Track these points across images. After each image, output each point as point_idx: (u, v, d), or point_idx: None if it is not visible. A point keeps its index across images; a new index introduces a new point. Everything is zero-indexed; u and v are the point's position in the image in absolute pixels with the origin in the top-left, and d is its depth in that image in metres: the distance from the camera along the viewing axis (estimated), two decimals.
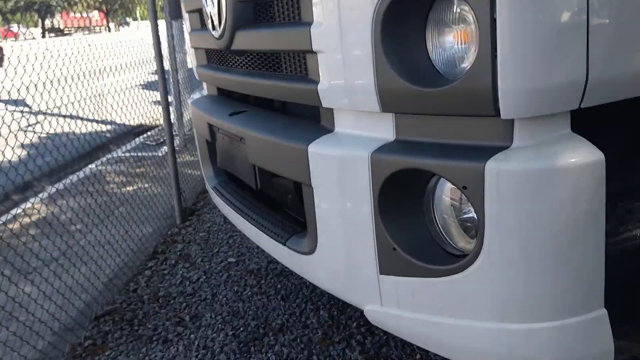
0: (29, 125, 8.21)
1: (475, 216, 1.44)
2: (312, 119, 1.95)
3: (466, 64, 1.41)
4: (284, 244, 2.02)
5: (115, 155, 7.45)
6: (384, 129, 1.62)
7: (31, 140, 7.33)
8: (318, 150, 1.72)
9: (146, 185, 5.58)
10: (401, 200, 1.60)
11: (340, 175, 1.67)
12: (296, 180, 1.85)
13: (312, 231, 1.85)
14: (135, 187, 5.58)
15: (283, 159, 1.88)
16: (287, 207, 2.24)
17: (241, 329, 2.93)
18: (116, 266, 3.64)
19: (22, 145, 6.18)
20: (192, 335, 2.92)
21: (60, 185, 5.77)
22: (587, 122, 1.38)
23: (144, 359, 2.76)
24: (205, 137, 2.59)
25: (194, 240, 4.04)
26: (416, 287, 1.57)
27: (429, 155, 1.47)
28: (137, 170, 6.27)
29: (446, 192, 1.57)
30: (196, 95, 2.93)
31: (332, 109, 1.78)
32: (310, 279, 1.98)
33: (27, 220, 4.30)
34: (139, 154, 7.23)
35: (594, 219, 1.37)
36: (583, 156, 1.35)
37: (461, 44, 1.41)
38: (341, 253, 1.75)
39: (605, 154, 1.34)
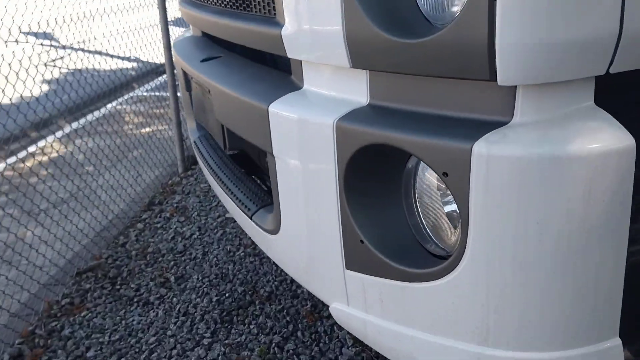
0: (52, 60, 8.01)
1: (459, 208, 1.09)
2: (288, 72, 1.59)
3: (457, 8, 1.03)
4: (250, 218, 1.71)
5: (136, 94, 7.21)
6: (357, 90, 1.26)
7: (53, 75, 7.14)
8: (279, 111, 1.37)
9: (163, 127, 5.32)
10: (372, 181, 1.26)
11: (302, 145, 1.33)
12: (259, 146, 1.52)
13: (277, 209, 1.53)
14: (152, 128, 5.33)
15: (245, 119, 1.54)
16: (260, 173, 1.92)
17: (227, 294, 2.68)
18: (114, 215, 3.41)
19: (44, 80, 5.99)
20: (174, 299, 2.68)
21: (78, 124, 5.59)
22: (612, 95, 1.00)
23: (120, 323, 2.54)
24: (182, 84, 2.26)
25: (194, 192, 3.77)
26: (385, 289, 1.25)
27: (404, 129, 1.11)
28: (157, 111, 6.01)
29: (430, 175, 1.22)
30: (182, 36, 2.58)
31: (300, 61, 1.42)
32: (277, 262, 1.68)
33: (40, 159, 4.16)
34: (161, 93, 6.96)
35: (615, 224, 1.01)
36: (609, 140, 0.98)
37: None
38: (304, 239, 1.43)
39: (636, 139, 0.96)
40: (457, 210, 1.10)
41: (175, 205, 3.61)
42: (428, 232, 1.23)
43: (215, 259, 2.99)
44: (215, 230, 3.27)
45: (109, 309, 2.64)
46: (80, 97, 4.96)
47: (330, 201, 1.30)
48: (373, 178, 1.25)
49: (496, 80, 0.99)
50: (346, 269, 1.33)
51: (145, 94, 7.16)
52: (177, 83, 4.13)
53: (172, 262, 2.98)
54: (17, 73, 3.47)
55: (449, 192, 1.19)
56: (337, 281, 1.37)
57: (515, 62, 0.96)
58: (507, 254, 1.04)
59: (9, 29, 3.57)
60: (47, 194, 3.27)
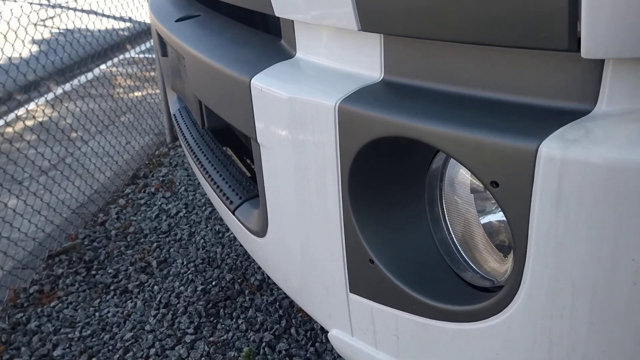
0: (42, 20, 7.55)
1: (512, 229, 0.76)
2: (278, 35, 1.25)
3: None
4: (233, 212, 1.38)
5: (128, 56, 6.80)
6: (367, 60, 0.92)
7: (42, 36, 6.72)
8: (263, 87, 1.04)
9: (154, 91, 4.95)
10: (386, 184, 0.93)
11: (293, 133, 0.99)
12: (239, 129, 1.18)
13: (263, 208, 1.20)
14: (143, 92, 4.96)
15: (222, 94, 1.20)
16: (248, 153, 1.59)
17: (213, 282, 2.38)
18: (94, 191, 3.09)
19: (33, 42, 5.59)
20: (155, 287, 2.38)
21: (67, 86, 5.24)
22: None
23: (94, 315, 2.24)
24: (157, 49, 1.90)
25: (181, 164, 3.43)
26: (403, 325, 0.94)
27: (435, 118, 0.78)
28: (149, 74, 5.62)
29: (467, 179, 0.89)
30: None
31: (292, 21, 1.07)
32: (264, 269, 1.36)
33: (28, 123, 3.84)
34: (154, 55, 6.55)
35: None
36: None
37: None
38: (296, 250, 1.11)
39: None
40: (509, 231, 0.78)
41: (161, 179, 3.28)
42: (461, 253, 0.91)
43: (202, 240, 2.68)
44: (204, 207, 2.96)
45: (82, 299, 2.34)
46: (72, 58, 4.61)
47: (331, 208, 0.97)
48: (387, 180, 0.92)
49: (578, 50, 0.65)
50: (350, 292, 1.01)
51: (138, 55, 6.76)
52: None
53: (154, 244, 2.67)
54: (4, 35, 3.14)
55: (494, 205, 0.87)
56: (338, 306, 1.05)
57: (611, 25, 0.62)
58: (583, 297, 0.72)
59: None
60: (36, 160, 2.95)
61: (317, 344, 2.01)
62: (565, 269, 0.71)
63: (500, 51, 0.74)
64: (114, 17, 8.38)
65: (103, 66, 6.21)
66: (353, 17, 0.85)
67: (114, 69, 6.19)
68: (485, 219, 0.89)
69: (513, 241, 0.75)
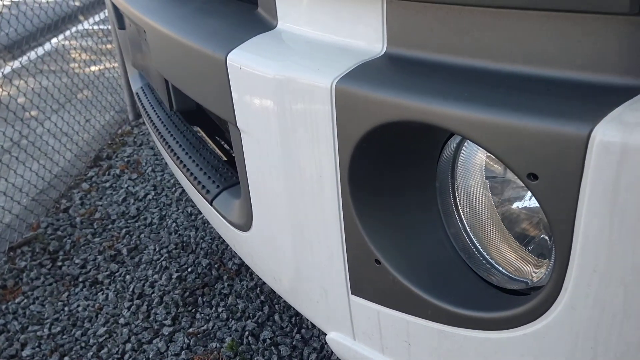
0: None
1: (552, 227, 0.65)
2: (252, 2, 1.09)
3: None
4: (210, 203, 1.24)
5: (82, 28, 6.46)
6: (364, 30, 0.78)
7: None
8: (242, 65, 0.88)
9: (112, 65, 4.68)
10: (393, 174, 0.80)
11: (282, 117, 0.85)
12: (215, 112, 1.03)
13: (246, 198, 1.06)
14: (100, 66, 4.69)
15: (193, 73, 1.04)
16: (222, 134, 1.44)
17: (189, 269, 2.23)
18: (53, 176, 2.88)
19: None
20: (127, 277, 2.23)
21: (17, 63, 4.93)
22: None
23: (63, 310, 2.08)
24: (112, 21, 1.71)
25: (147, 143, 3.24)
26: (415, 331, 0.82)
27: (454, 98, 0.64)
28: (105, 46, 5.33)
29: (479, 165, 0.77)
30: None
31: None
32: (249, 265, 1.23)
33: None
34: (108, 27, 6.22)
35: None
36: None
37: None
38: (287, 245, 0.98)
39: None
40: (547, 229, 0.66)
41: (126, 159, 3.08)
42: (480, 250, 0.79)
43: (174, 224, 2.52)
44: (173, 188, 2.79)
45: (49, 293, 2.17)
46: (19, 33, 4.32)
47: (328, 202, 0.84)
48: (393, 171, 0.79)
49: (638, 13, 0.53)
50: (352, 294, 0.89)
51: (92, 27, 6.43)
52: None
53: (123, 230, 2.50)
54: None
55: (514, 194, 0.75)
56: (338, 308, 0.93)
57: None
58: (637, 305, 0.61)
59: None
60: None
61: (303, 331, 1.90)
62: (619, 273, 0.60)
63: (537, 16, 0.60)
64: None
65: (55, 40, 5.88)
66: None
67: (67, 42, 5.87)
68: (504, 211, 0.78)
69: (553, 240, 0.64)
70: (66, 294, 2.16)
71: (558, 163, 0.58)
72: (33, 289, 2.20)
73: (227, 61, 0.91)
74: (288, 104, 0.82)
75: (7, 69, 4.63)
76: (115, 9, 1.59)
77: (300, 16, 0.87)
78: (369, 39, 0.77)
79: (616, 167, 0.55)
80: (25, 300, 2.14)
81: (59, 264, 2.32)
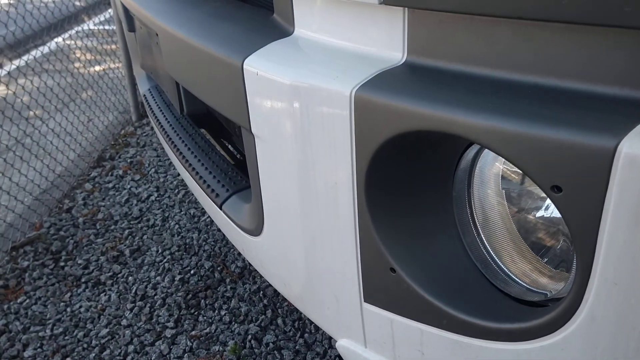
0: None
1: (575, 239, 0.65)
2: (268, 8, 1.09)
3: None
4: (220, 207, 1.23)
5: (86, 27, 6.46)
6: (384, 38, 0.78)
7: None
8: (259, 71, 0.88)
9: (116, 65, 4.68)
10: (410, 183, 0.80)
11: (298, 124, 0.85)
12: (230, 118, 1.03)
13: (257, 203, 1.06)
14: (104, 66, 4.69)
15: (208, 78, 1.04)
16: (230, 137, 1.44)
17: (192, 271, 2.23)
18: (56, 176, 2.87)
19: None
20: (130, 278, 2.22)
21: (22, 62, 4.94)
22: None
23: (65, 311, 2.08)
24: (122, 22, 1.70)
25: (150, 144, 3.24)
26: (431, 340, 0.82)
27: (481, 109, 0.64)
28: (109, 47, 5.33)
29: (496, 175, 0.77)
30: None
31: None
32: (258, 270, 1.22)
33: None
34: (112, 27, 6.22)
35: None
36: None
37: None
38: (299, 251, 0.97)
39: None
40: (568, 240, 0.66)
41: (129, 160, 3.08)
42: (496, 261, 0.79)
43: (177, 225, 2.52)
44: (176, 190, 2.79)
45: (52, 293, 2.16)
46: (24, 31, 4.32)
47: (343, 209, 0.84)
48: (410, 179, 0.79)
49: None
50: (365, 302, 0.89)
51: (95, 27, 6.43)
52: None
53: (126, 231, 2.50)
54: None
55: (531, 204, 0.74)
56: (350, 315, 0.93)
57: None
58: None
59: None
60: None
61: (306, 335, 1.89)
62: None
63: (562, 27, 0.60)
64: None
65: (59, 39, 5.88)
66: None
67: (72, 42, 5.87)
68: (521, 221, 0.77)
69: (575, 252, 0.64)
70: (68, 294, 2.16)
71: (583, 176, 0.58)
72: (35, 289, 2.19)
73: (244, 67, 0.90)
74: (305, 111, 0.82)
75: (12, 68, 4.63)
76: (126, 10, 1.58)
77: (319, 23, 0.87)
78: (389, 47, 0.77)
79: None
80: (28, 301, 2.13)
81: (62, 264, 2.32)
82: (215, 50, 0.98)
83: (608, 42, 0.58)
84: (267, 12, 1.05)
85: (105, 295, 2.14)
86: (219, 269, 2.23)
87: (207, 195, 1.28)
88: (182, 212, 2.61)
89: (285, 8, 0.94)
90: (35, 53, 5.08)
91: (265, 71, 0.87)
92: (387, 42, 0.77)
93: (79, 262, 2.32)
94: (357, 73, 0.77)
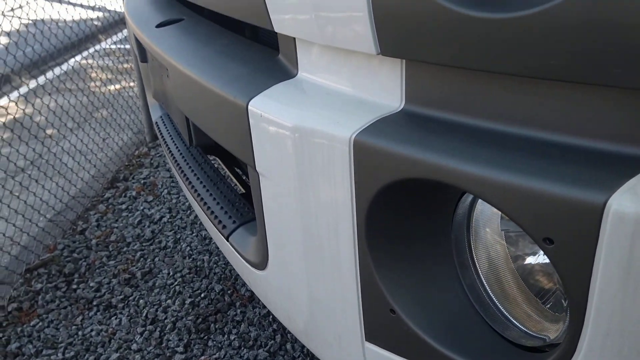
0: (11, 9, 7.26)
1: (567, 290, 0.66)
2: (274, 48, 1.12)
3: None
4: (227, 238, 1.26)
5: (102, 47, 6.58)
6: (384, 86, 0.80)
7: (12, 26, 6.45)
8: (263, 112, 0.91)
9: (131, 84, 4.76)
10: (410, 226, 0.81)
11: (301, 166, 0.87)
12: (236, 155, 1.05)
13: (262, 237, 1.08)
14: (120, 85, 4.77)
15: (215, 116, 1.07)
16: (236, 168, 1.46)
17: (202, 294, 2.25)
18: (70, 197, 2.92)
19: (2, 33, 5.35)
20: (141, 301, 2.25)
21: (40, 80, 5.05)
22: None
23: (76, 334, 2.11)
24: (135, 54, 1.75)
25: (163, 165, 3.28)
26: None
27: (474, 160, 0.66)
28: (125, 65, 5.42)
29: (495, 220, 0.78)
30: None
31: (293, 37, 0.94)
32: (264, 303, 1.24)
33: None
34: (128, 46, 6.33)
35: None
36: None
37: None
38: (303, 288, 0.99)
39: None
40: (560, 290, 0.67)
41: (142, 181, 3.12)
42: (496, 304, 0.80)
43: (188, 247, 2.54)
44: (188, 211, 2.82)
45: (64, 316, 2.20)
46: (45, 49, 4.42)
47: (344, 249, 0.86)
48: (410, 223, 0.80)
49: None
50: (366, 341, 0.90)
51: (112, 46, 6.55)
52: None
53: (138, 253, 2.53)
54: None
55: (530, 249, 0.76)
56: (352, 353, 0.94)
57: None
58: None
59: None
60: (10, 159, 2.77)
61: None
62: (632, 339, 0.61)
63: (555, 84, 0.62)
64: (86, 7, 8.10)
65: (76, 58, 6.00)
66: (371, 39, 0.73)
67: (88, 61, 5.98)
68: (521, 264, 0.79)
69: (568, 302, 0.65)
70: (80, 317, 2.19)
71: (574, 229, 0.60)
72: (48, 311, 2.22)
73: (249, 108, 0.93)
74: (307, 154, 0.84)
75: (25, 89, 4.73)
76: (138, 42, 1.63)
77: (321, 67, 0.90)
78: (388, 94, 0.79)
79: (631, 238, 0.56)
80: (40, 324, 2.17)
81: (74, 286, 2.35)
82: (222, 90, 1.01)
83: (598, 98, 0.60)
84: (273, 52, 1.08)
85: (116, 318, 2.17)
86: (229, 292, 2.25)
87: (215, 226, 1.30)
88: (194, 234, 2.63)
89: (289, 51, 0.96)
90: (49, 73, 5.19)
91: (269, 113, 0.90)
92: (385, 90, 0.79)
93: (91, 284, 2.35)
94: (356, 119, 0.79)
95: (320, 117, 0.83)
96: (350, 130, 0.78)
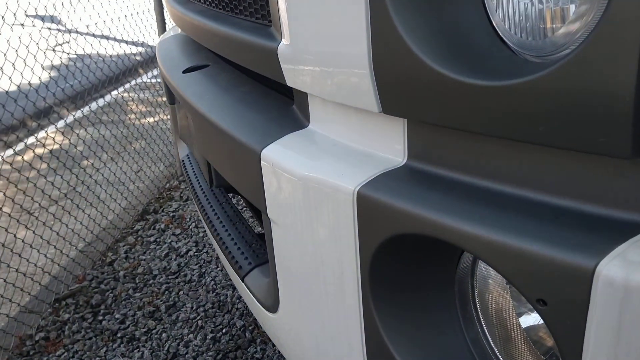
0: (59, 44, 7.57)
1: (561, 350, 0.66)
2: (291, 97, 1.16)
3: (573, 30, 0.59)
4: (242, 280, 1.28)
5: (140, 80, 6.80)
6: (388, 141, 0.83)
7: (61, 60, 6.73)
8: (275, 161, 0.94)
9: (167, 116, 4.90)
10: (413, 279, 0.83)
11: (308, 214, 0.89)
12: (250, 200, 1.09)
13: (274, 281, 1.11)
14: (156, 118, 4.92)
15: (231, 161, 1.11)
16: (260, 216, 1.49)
17: (224, 329, 2.27)
18: (101, 229, 3.00)
19: (52, 66, 5.61)
20: (164, 334, 2.28)
21: (79, 113, 5.25)
22: None
23: None
24: (166, 95, 1.82)
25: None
26: None
27: (470, 219, 0.68)
28: (162, 99, 5.59)
29: (498, 275, 0.79)
30: (169, 32, 2.13)
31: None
32: (277, 345, 1.26)
33: (39, 151, 3.81)
34: None
35: None
36: None
37: None
38: (311, 336, 1.00)
39: None
40: (556, 349, 0.67)
41: (171, 214, 3.19)
42: (499, 358, 0.80)
43: (212, 282, 2.58)
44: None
45: (88, 347, 2.24)
46: (90, 82, 4.61)
47: (349, 300, 0.87)
48: (413, 276, 0.82)
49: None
50: None
51: (151, 80, 6.76)
52: None
53: (163, 286, 2.57)
54: (24, 60, 3.11)
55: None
56: None
57: None
58: None
59: (14, 13, 3.16)
60: (46, 190, 2.87)
61: None
62: None
63: (541, 150, 0.63)
64: (129, 42, 8.41)
65: (117, 90, 6.21)
66: (373, 99, 0.76)
67: (126, 94, 6.19)
68: (526, 320, 0.79)
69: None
70: (104, 349, 2.23)
71: (566, 292, 0.60)
72: (74, 342, 2.27)
73: (262, 156, 0.96)
74: (314, 204, 0.87)
75: (70, 118, 4.91)
76: (166, 85, 1.69)
77: (330, 120, 0.93)
78: (391, 149, 0.81)
79: (620, 303, 0.57)
80: (66, 354, 2.21)
81: (100, 317, 2.40)
82: (238, 137, 1.05)
83: (591, 163, 0.61)
84: (289, 101, 1.12)
85: (138, 351, 2.20)
86: (250, 328, 2.27)
87: (231, 264, 1.33)
88: (219, 268, 2.67)
89: (302, 102, 1.00)
90: (92, 105, 5.38)
91: (280, 162, 0.93)
92: (389, 145, 0.82)
93: (117, 316, 2.40)
94: (361, 171, 0.81)
95: (327, 168, 0.86)
96: (355, 183, 0.80)
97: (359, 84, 0.76)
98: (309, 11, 0.83)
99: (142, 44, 8.49)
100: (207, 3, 1.39)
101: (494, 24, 0.67)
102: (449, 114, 0.66)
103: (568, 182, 0.64)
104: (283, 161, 0.93)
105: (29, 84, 3.13)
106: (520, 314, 0.80)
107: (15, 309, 2.39)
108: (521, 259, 0.63)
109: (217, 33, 1.19)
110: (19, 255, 2.45)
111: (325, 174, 0.85)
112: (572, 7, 0.59)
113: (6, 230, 2.51)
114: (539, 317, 0.78)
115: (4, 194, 2.53)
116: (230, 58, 1.21)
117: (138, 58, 7.86)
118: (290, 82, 0.94)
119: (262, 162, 0.97)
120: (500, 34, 0.66)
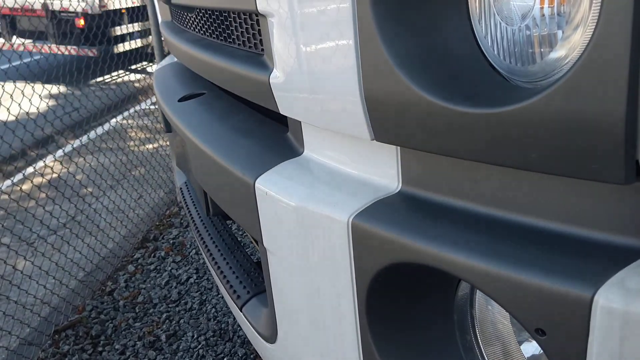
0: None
1: None
2: (285, 125, 1.16)
3: (561, 57, 0.59)
4: (240, 309, 1.27)
5: (141, 107, 6.83)
6: (381, 168, 0.82)
7: (59, 90, 6.78)
8: (269, 190, 0.93)
9: (167, 142, 4.91)
10: (411, 308, 0.81)
11: (303, 243, 0.89)
12: (246, 230, 1.08)
13: (271, 311, 1.09)
14: (156, 144, 4.93)
15: (226, 190, 1.10)
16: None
17: (225, 359, 2.24)
18: (101, 258, 2.98)
19: (50, 96, 5.64)
20: None
21: (78, 142, 5.28)
22: None
23: None
24: (163, 123, 1.82)
25: None
26: None
27: (467, 249, 0.67)
28: (161, 125, 5.60)
29: (497, 307, 0.77)
30: (166, 61, 2.15)
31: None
32: None
33: (37, 181, 3.82)
34: None
35: None
36: None
37: (551, 10, 0.59)
38: None
39: None
40: None
41: (171, 241, 3.18)
42: None
43: (213, 309, 2.55)
44: None
45: None
46: (89, 111, 4.63)
47: (346, 329, 0.86)
48: (410, 305, 0.80)
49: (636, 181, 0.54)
50: None
51: (151, 107, 6.80)
52: None
53: (164, 315, 2.55)
54: (22, 90, 3.14)
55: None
56: None
57: None
58: None
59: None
60: (45, 220, 2.87)
61: None
62: None
63: (543, 175, 0.63)
64: (129, 69, 8.48)
65: (117, 118, 6.23)
66: (365, 127, 0.75)
67: (128, 121, 6.21)
68: (527, 348, 0.77)
69: None
70: None
71: (564, 321, 0.59)
72: None
73: (256, 185, 0.96)
74: (309, 233, 0.86)
75: (68, 148, 4.92)
76: (163, 114, 1.69)
77: (324, 147, 0.93)
78: (385, 176, 0.81)
79: (619, 332, 0.55)
80: None
81: (100, 349, 2.37)
82: (232, 167, 1.04)
83: (586, 188, 0.60)
84: (284, 128, 1.12)
85: None
86: (252, 356, 2.24)
87: (229, 294, 1.31)
88: (220, 295, 2.65)
89: (296, 130, 1.00)
90: (91, 133, 5.40)
91: (273, 191, 0.92)
92: (383, 172, 0.81)
93: (117, 347, 2.37)
94: (355, 200, 0.81)
95: (321, 196, 0.85)
96: (349, 212, 0.79)
97: (351, 113, 0.76)
98: (300, 40, 0.84)
99: (141, 71, 8.57)
100: (201, 32, 1.40)
101: (483, 51, 0.67)
102: (441, 142, 0.66)
103: (564, 207, 0.63)
104: (277, 190, 0.92)
105: (27, 114, 3.14)
106: (521, 342, 0.79)
107: (15, 342, 2.36)
108: (518, 288, 0.62)
109: (211, 62, 1.19)
110: (18, 287, 2.43)
111: (319, 203, 0.85)
112: (560, 33, 0.59)
113: (5, 262, 2.49)
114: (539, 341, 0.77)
115: (3, 225, 2.53)
116: (224, 87, 1.21)
117: (137, 85, 7.90)
118: (283, 110, 0.93)
119: (256, 192, 0.96)
120: (490, 61, 0.66)
